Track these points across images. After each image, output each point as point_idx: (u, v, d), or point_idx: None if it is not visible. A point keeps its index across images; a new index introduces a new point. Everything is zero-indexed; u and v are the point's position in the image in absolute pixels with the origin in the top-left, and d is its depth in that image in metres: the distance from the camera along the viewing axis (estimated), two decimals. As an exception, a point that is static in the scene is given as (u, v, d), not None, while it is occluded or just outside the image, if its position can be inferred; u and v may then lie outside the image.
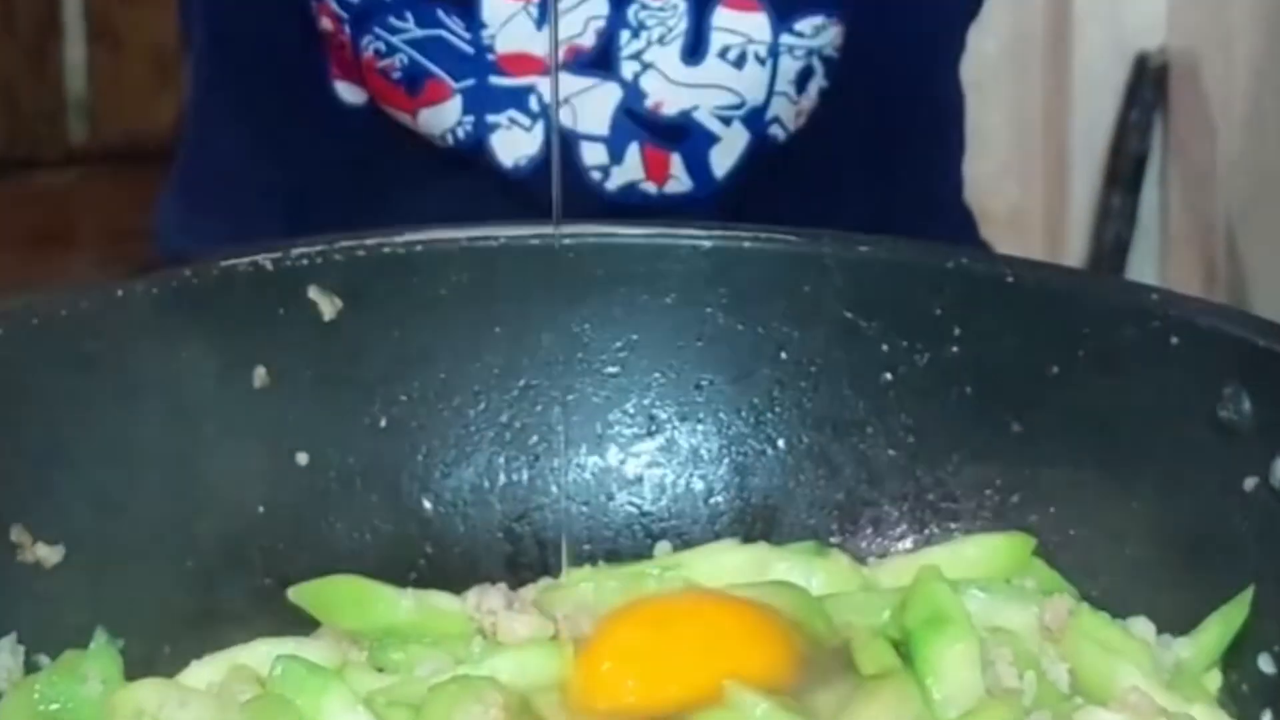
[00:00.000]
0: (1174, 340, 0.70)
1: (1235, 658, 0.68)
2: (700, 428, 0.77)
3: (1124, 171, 2.03)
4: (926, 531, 0.75)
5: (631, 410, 0.77)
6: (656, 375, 0.77)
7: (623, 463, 0.77)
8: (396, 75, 0.98)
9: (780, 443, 0.77)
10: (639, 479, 0.77)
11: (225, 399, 0.73)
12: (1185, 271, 1.92)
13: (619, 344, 0.77)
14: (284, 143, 1.06)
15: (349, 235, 0.75)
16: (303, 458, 0.74)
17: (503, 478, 0.76)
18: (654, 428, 0.77)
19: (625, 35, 0.97)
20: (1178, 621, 0.69)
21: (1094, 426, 0.72)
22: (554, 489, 0.77)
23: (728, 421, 0.77)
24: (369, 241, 0.75)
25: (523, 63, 0.97)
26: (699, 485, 0.77)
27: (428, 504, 0.76)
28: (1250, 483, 0.68)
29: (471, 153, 0.99)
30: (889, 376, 0.76)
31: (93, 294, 0.71)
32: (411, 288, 0.75)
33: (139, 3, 3.12)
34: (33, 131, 3.21)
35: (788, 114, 1.00)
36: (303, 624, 0.69)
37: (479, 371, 0.76)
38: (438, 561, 0.75)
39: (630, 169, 0.99)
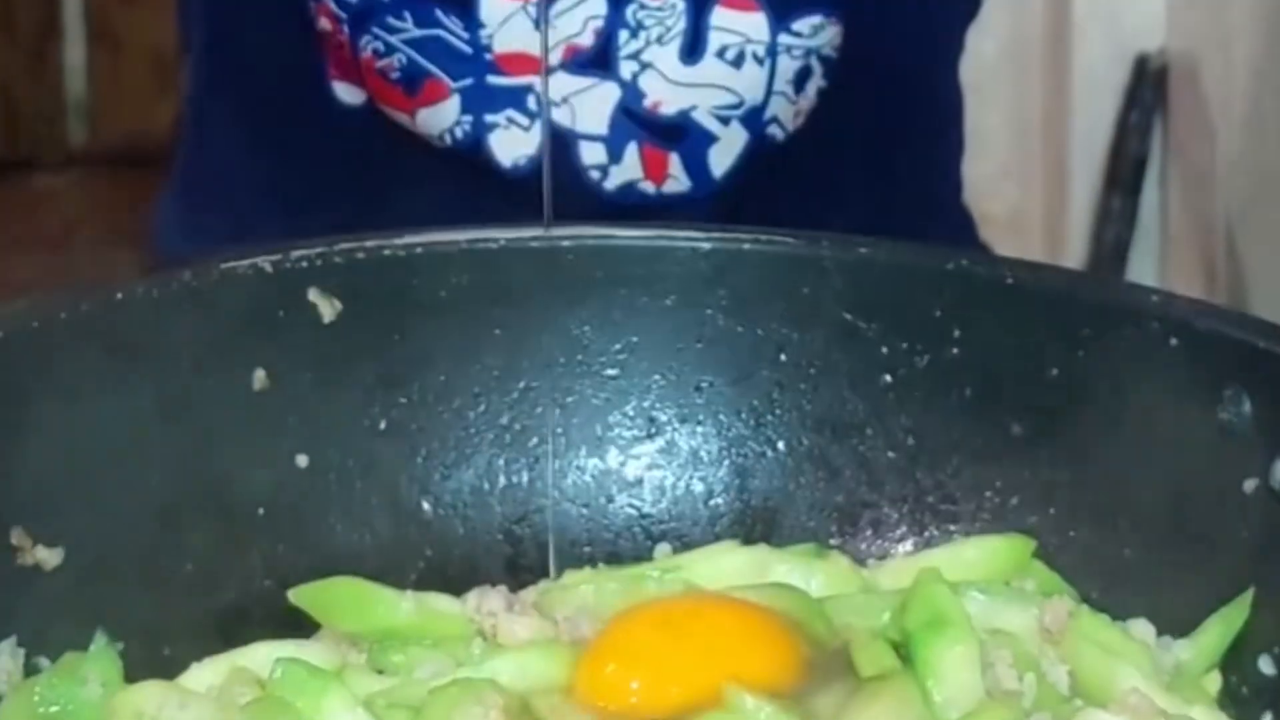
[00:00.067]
0: (1174, 342, 0.70)
1: (1235, 659, 0.68)
2: (700, 430, 0.77)
3: (1124, 173, 2.03)
4: (926, 533, 0.75)
5: (631, 412, 0.77)
6: (656, 377, 0.77)
7: (623, 465, 0.77)
8: (395, 75, 0.98)
9: (780, 445, 0.77)
10: (639, 481, 0.77)
11: (225, 401, 0.73)
12: (1185, 273, 1.92)
13: (619, 346, 0.77)
14: (283, 144, 1.06)
15: (349, 237, 0.75)
16: (302, 460, 0.74)
17: (502, 480, 0.76)
18: (654, 430, 0.77)
19: (624, 35, 0.97)
20: (1178, 623, 0.69)
21: (1094, 428, 0.72)
22: (554, 491, 0.77)
23: (728, 423, 0.77)
24: (369, 243, 0.75)
25: (521, 62, 0.97)
26: (699, 487, 0.77)
27: (427, 506, 0.76)
28: (1250, 484, 0.68)
29: (470, 152, 0.99)
30: (889, 378, 0.76)
31: (92, 296, 0.71)
32: (411, 290, 0.75)
33: (138, 5, 3.13)
34: (32, 133, 3.21)
35: (786, 114, 1.00)
36: (303, 626, 0.69)
37: (479, 373, 0.76)
38: (438, 563, 0.75)
39: (629, 168, 0.99)
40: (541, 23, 0.95)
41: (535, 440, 0.77)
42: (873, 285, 0.76)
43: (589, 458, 0.77)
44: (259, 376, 0.73)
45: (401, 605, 0.69)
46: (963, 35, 1.13)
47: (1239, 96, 1.81)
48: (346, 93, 1.02)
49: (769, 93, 0.99)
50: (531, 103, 0.98)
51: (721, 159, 1.00)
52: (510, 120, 0.98)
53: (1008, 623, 0.68)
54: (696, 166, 1.00)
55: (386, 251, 0.75)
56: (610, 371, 0.77)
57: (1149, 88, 2.02)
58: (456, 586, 0.71)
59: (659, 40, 0.97)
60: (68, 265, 2.80)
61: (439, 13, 0.97)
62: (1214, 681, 0.68)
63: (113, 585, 0.69)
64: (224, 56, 1.08)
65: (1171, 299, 0.72)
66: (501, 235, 0.76)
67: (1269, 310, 0.86)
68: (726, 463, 0.77)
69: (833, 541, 0.76)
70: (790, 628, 0.67)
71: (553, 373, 0.77)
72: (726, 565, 0.72)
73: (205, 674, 0.67)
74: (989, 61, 2.03)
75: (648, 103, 0.98)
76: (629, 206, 0.99)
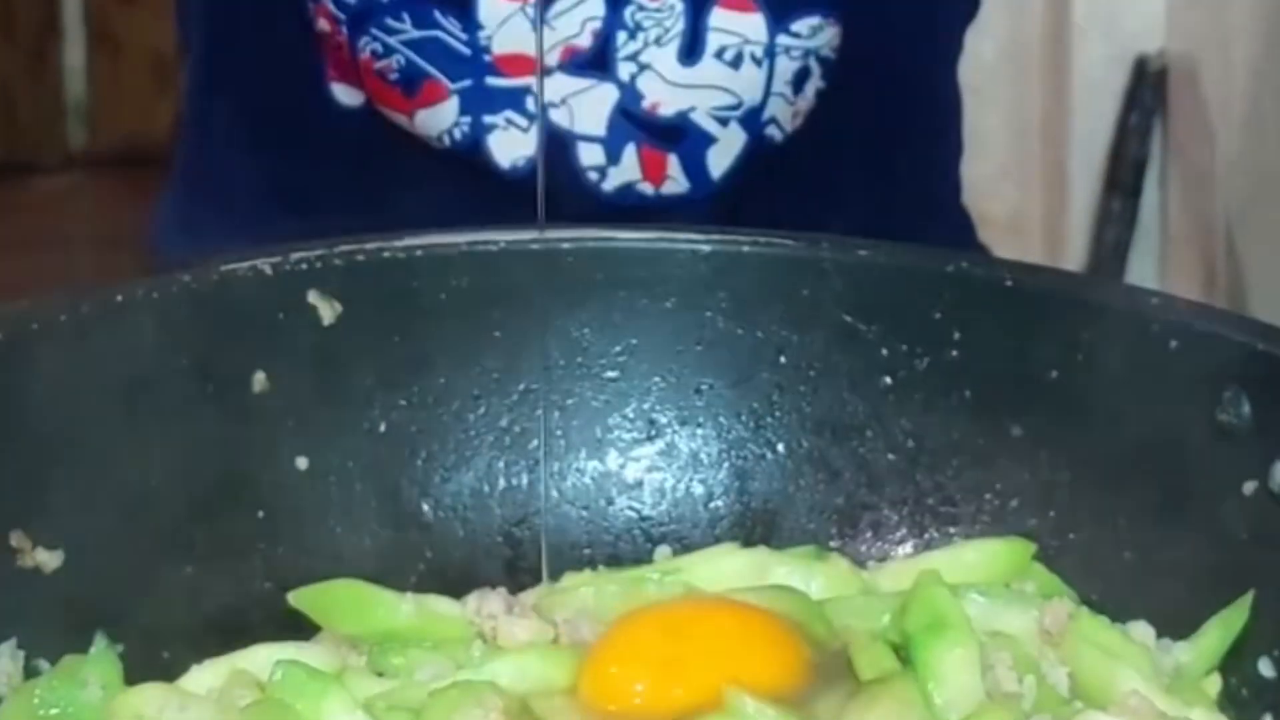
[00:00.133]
0: (1173, 344, 0.70)
1: (1235, 662, 0.68)
2: (700, 432, 0.77)
3: (1123, 174, 2.03)
4: (926, 536, 0.75)
5: (631, 414, 0.77)
6: (656, 379, 0.77)
7: (622, 467, 0.77)
8: (393, 76, 0.99)
9: (780, 447, 0.77)
10: (639, 483, 0.77)
11: (224, 403, 0.73)
12: (1185, 274, 1.93)
13: (618, 348, 0.77)
14: (282, 145, 1.06)
15: (348, 239, 0.75)
16: (302, 462, 0.74)
17: (502, 482, 0.76)
18: (654, 432, 0.77)
19: (622, 36, 0.97)
20: (1177, 625, 0.69)
21: (1093, 430, 0.72)
22: (554, 493, 0.77)
23: (727, 426, 0.77)
24: (368, 246, 0.75)
25: (519, 64, 0.97)
26: (699, 489, 0.77)
27: (427, 508, 0.76)
28: (1249, 486, 0.68)
29: (468, 153, 0.99)
30: (888, 380, 0.76)
31: (92, 298, 0.71)
32: (411, 292, 0.75)
33: (138, 7, 3.13)
34: (32, 136, 3.21)
35: (785, 115, 1.00)
36: (302, 629, 0.69)
37: (478, 376, 0.76)
38: (437, 566, 0.75)
39: (627, 170, 0.99)
40: (537, 24, 0.95)
41: (535, 442, 0.77)
42: (873, 287, 0.76)
43: (589, 460, 0.77)
44: (259, 379, 0.73)
45: (401, 607, 0.69)
46: (961, 36, 1.13)
47: (1238, 98, 1.81)
48: (345, 94, 1.02)
49: (767, 94, 0.99)
50: (530, 104, 0.98)
51: (720, 160, 1.00)
52: (509, 121, 0.98)
53: (1008, 625, 0.68)
54: (695, 168, 1.00)
55: (386, 254, 0.75)
56: (610, 374, 0.77)
57: (1148, 89, 2.02)
58: (456, 589, 0.71)
59: (657, 41, 0.97)
60: (67, 267, 2.81)
61: (438, 14, 0.97)
62: (1214, 684, 0.68)
63: (113, 588, 0.69)
64: (223, 58, 1.08)
65: (1171, 301, 0.72)
66: (501, 237, 0.76)
67: (1269, 311, 0.86)
68: (726, 465, 0.77)
69: (833, 544, 0.76)
70: (794, 631, 0.67)
71: (552, 375, 0.77)
72: (726, 567, 0.72)
73: (205, 676, 0.67)
74: (988, 62, 2.03)
75: (646, 104, 0.98)
76: (627, 208, 0.99)
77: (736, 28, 0.98)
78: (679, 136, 0.99)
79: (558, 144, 0.98)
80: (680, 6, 0.97)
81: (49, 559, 0.68)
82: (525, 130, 0.98)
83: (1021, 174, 2.10)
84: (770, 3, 0.97)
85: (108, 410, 0.70)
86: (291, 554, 0.73)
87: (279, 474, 0.74)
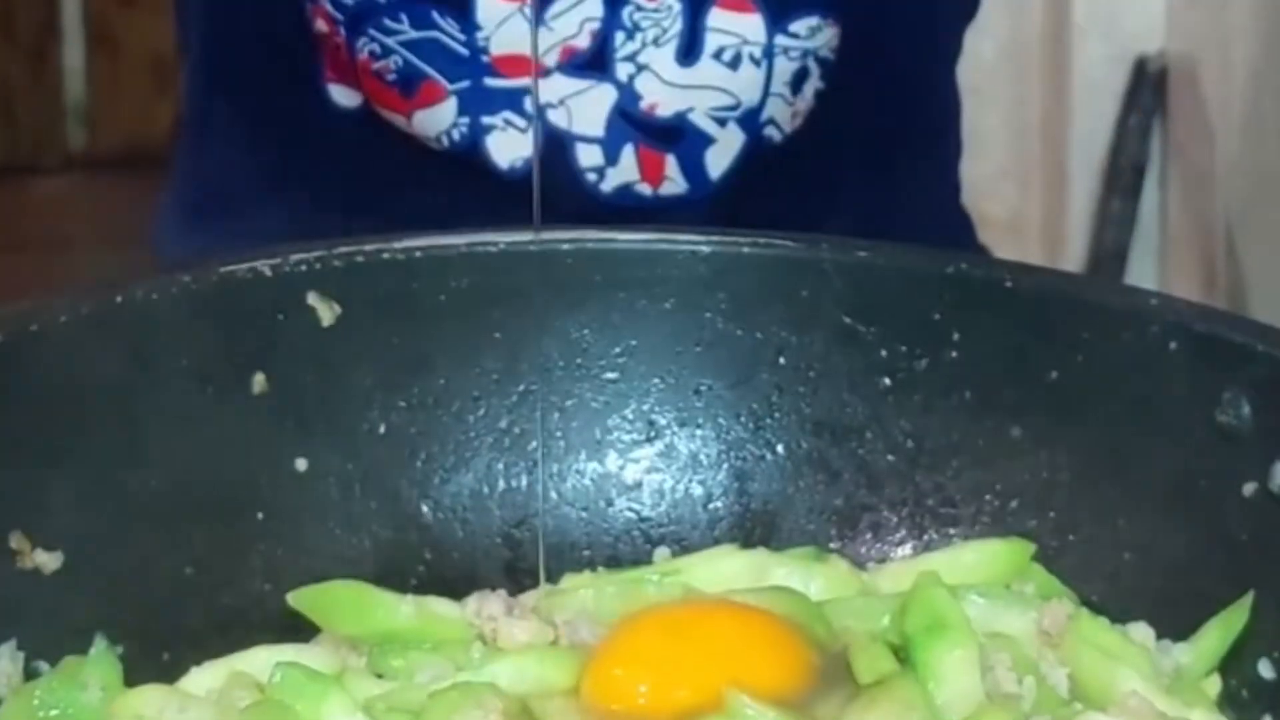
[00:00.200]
0: (1173, 345, 0.70)
1: (1235, 663, 0.68)
2: (699, 433, 0.77)
3: (1123, 175, 2.03)
4: (926, 537, 0.75)
5: (630, 416, 0.77)
6: (655, 380, 0.77)
7: (622, 468, 0.77)
8: (391, 77, 0.98)
9: (779, 448, 0.77)
10: (638, 484, 0.77)
11: (224, 405, 0.73)
12: (1185, 275, 1.93)
13: (618, 349, 0.77)
14: (280, 146, 1.06)
15: (348, 240, 0.75)
16: (302, 464, 0.74)
17: (502, 483, 0.76)
18: (653, 433, 0.77)
19: (620, 37, 0.97)
20: (1177, 626, 0.69)
21: (1093, 431, 0.72)
22: (553, 494, 0.77)
23: (727, 427, 0.77)
24: (368, 247, 0.75)
25: (518, 64, 0.97)
26: (698, 490, 0.77)
27: (427, 510, 0.76)
28: (1249, 488, 0.68)
29: (467, 154, 0.99)
30: (888, 381, 0.76)
31: (92, 300, 0.71)
32: (410, 293, 0.75)
33: (138, 9, 3.13)
34: (32, 137, 3.21)
35: (783, 115, 1.00)
36: (302, 630, 0.69)
37: (478, 377, 0.76)
38: (437, 567, 0.75)
39: (625, 170, 0.99)
40: (533, 25, 0.95)
41: (535, 444, 0.77)
42: (872, 288, 0.76)
43: (588, 461, 0.77)
44: (258, 380, 0.73)
45: (401, 609, 0.69)
46: (961, 36, 1.13)
47: (1238, 99, 1.81)
48: (343, 95, 1.02)
49: (766, 94, 0.99)
50: (528, 105, 0.98)
51: (718, 161, 1.00)
52: (507, 122, 0.98)
53: (1007, 626, 0.68)
54: (693, 168, 1.00)
55: (385, 255, 0.75)
56: (609, 375, 0.77)
57: (1148, 90, 2.02)
58: (456, 590, 0.71)
59: (655, 42, 0.97)
60: (67, 268, 2.81)
61: (435, 14, 0.97)
62: (1214, 685, 0.68)
63: (112, 589, 0.69)
64: (221, 59, 1.08)
65: (1171, 301, 0.72)
66: (500, 238, 0.76)
67: (1269, 311, 0.86)
68: (726, 466, 0.77)
69: (832, 545, 0.76)
70: (797, 634, 0.67)
71: (552, 376, 0.77)
72: (726, 569, 0.72)
73: (205, 678, 0.67)
74: (988, 63, 2.03)
75: (644, 104, 0.98)
76: (626, 208, 0.99)
77: (735, 28, 0.98)
78: (677, 137, 0.99)
79: (556, 145, 0.98)
80: (678, 7, 0.97)
81: (49, 560, 0.68)
82: (524, 131, 0.98)
83: (1021, 174, 2.10)
84: (769, 3, 0.97)
85: (108, 411, 0.70)
86: (291, 555, 0.73)
87: (278, 475, 0.74)
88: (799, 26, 0.98)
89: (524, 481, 0.76)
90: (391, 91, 0.99)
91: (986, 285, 0.74)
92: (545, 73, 0.97)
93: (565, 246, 0.76)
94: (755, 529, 0.76)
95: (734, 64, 0.98)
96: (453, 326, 0.76)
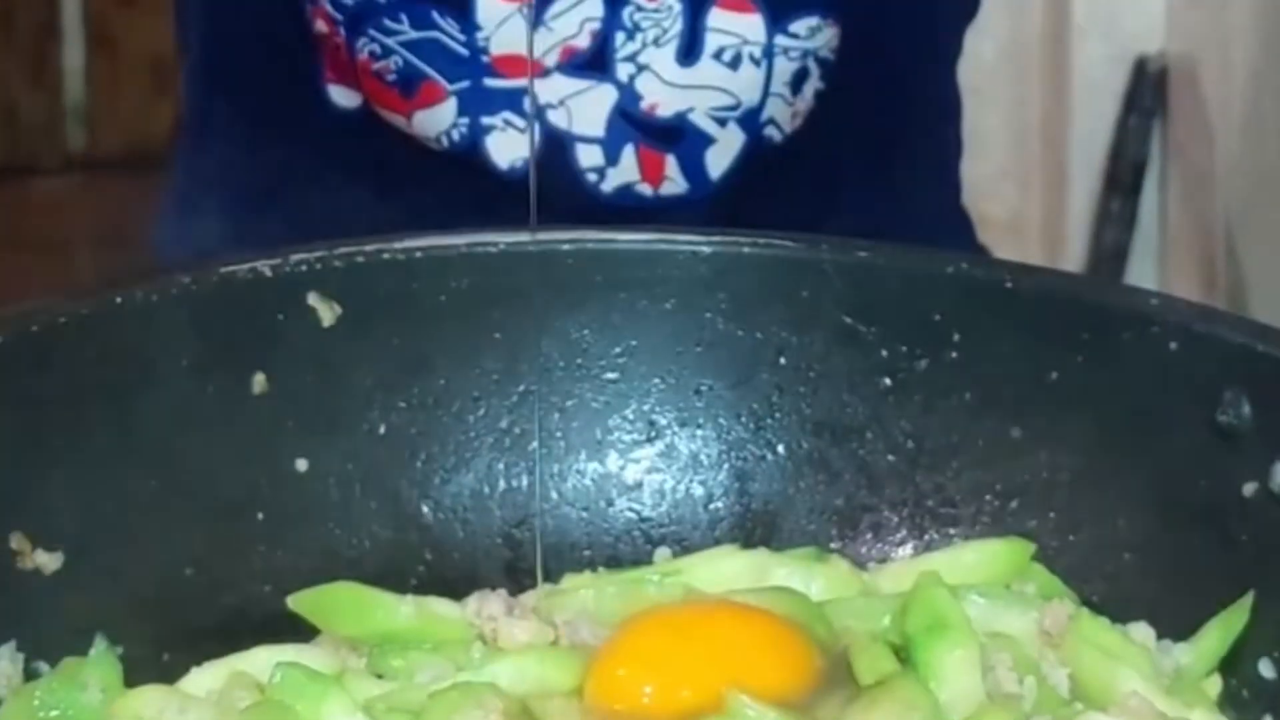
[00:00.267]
0: (1173, 345, 0.70)
1: (1235, 663, 0.68)
2: (700, 433, 0.77)
3: (1123, 175, 2.03)
4: (926, 537, 0.75)
5: (631, 416, 0.77)
6: (656, 381, 0.77)
7: (622, 468, 0.77)
8: (391, 78, 0.98)
9: (780, 448, 0.77)
10: (638, 485, 0.77)
11: (224, 405, 0.73)
12: (1185, 275, 1.93)
13: (618, 349, 0.77)
14: (280, 147, 1.06)
15: (348, 241, 0.75)
16: (302, 464, 0.74)
17: (502, 483, 0.76)
18: (653, 433, 0.77)
19: (620, 37, 0.97)
20: (1178, 626, 0.69)
21: (1093, 431, 0.72)
22: (553, 495, 0.77)
23: (727, 427, 0.77)
24: (368, 248, 0.75)
25: (518, 64, 0.97)
26: (699, 491, 0.77)
27: (427, 510, 0.76)
28: (1250, 488, 0.68)
29: (467, 154, 0.99)
30: (888, 382, 0.75)
31: (92, 301, 0.71)
32: (411, 294, 0.75)
33: (137, 10, 3.13)
34: (31, 138, 3.21)
35: (783, 115, 1.00)
36: (302, 630, 0.69)
37: (478, 377, 0.76)
38: (437, 568, 0.75)
39: (625, 170, 0.99)
40: (529, 25, 0.95)
41: (535, 444, 0.77)
42: (872, 289, 0.76)
43: (589, 461, 0.77)
44: (258, 380, 0.73)
45: (401, 609, 0.69)
46: (961, 36, 1.13)
47: (1238, 99, 1.81)
48: (342, 96, 1.02)
49: (766, 94, 0.99)
50: (528, 105, 0.98)
51: (718, 161, 1.00)
52: (507, 122, 0.98)
53: (1008, 626, 0.68)
54: (693, 168, 1.00)
55: (386, 255, 0.75)
56: (610, 375, 0.77)
57: (1148, 90, 2.02)
58: (456, 590, 0.71)
59: (655, 42, 0.97)
60: (67, 269, 2.80)
61: (435, 15, 0.97)
62: (1214, 685, 0.68)
63: (112, 590, 0.69)
64: (221, 59, 1.08)
65: (1171, 302, 0.72)
66: (501, 239, 0.76)
67: (1269, 311, 0.86)
68: (726, 466, 0.77)
69: (833, 545, 0.76)
70: (802, 635, 0.67)
71: (552, 376, 0.77)
72: (726, 569, 0.72)
73: (205, 679, 0.67)
74: (988, 63, 2.03)
75: (644, 105, 0.98)
76: (626, 209, 0.99)
77: (735, 28, 0.98)
78: (677, 137, 0.99)
79: (556, 145, 0.98)
80: (678, 7, 0.97)
81: (49, 561, 0.68)
82: (524, 131, 0.98)
83: (1021, 175, 2.10)
84: (769, 3, 0.97)
85: (108, 412, 0.70)
86: (291, 555, 0.73)
87: (279, 476, 0.74)
88: (799, 27, 0.98)
89: (524, 481, 0.76)
90: (391, 92, 0.99)
91: (987, 285, 0.74)
92: (545, 73, 0.97)
93: (565, 247, 0.76)
94: (756, 529, 0.76)
95: (734, 64, 0.98)
96: (453, 327, 0.76)
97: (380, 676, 0.67)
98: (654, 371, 0.77)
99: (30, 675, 0.67)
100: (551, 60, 0.97)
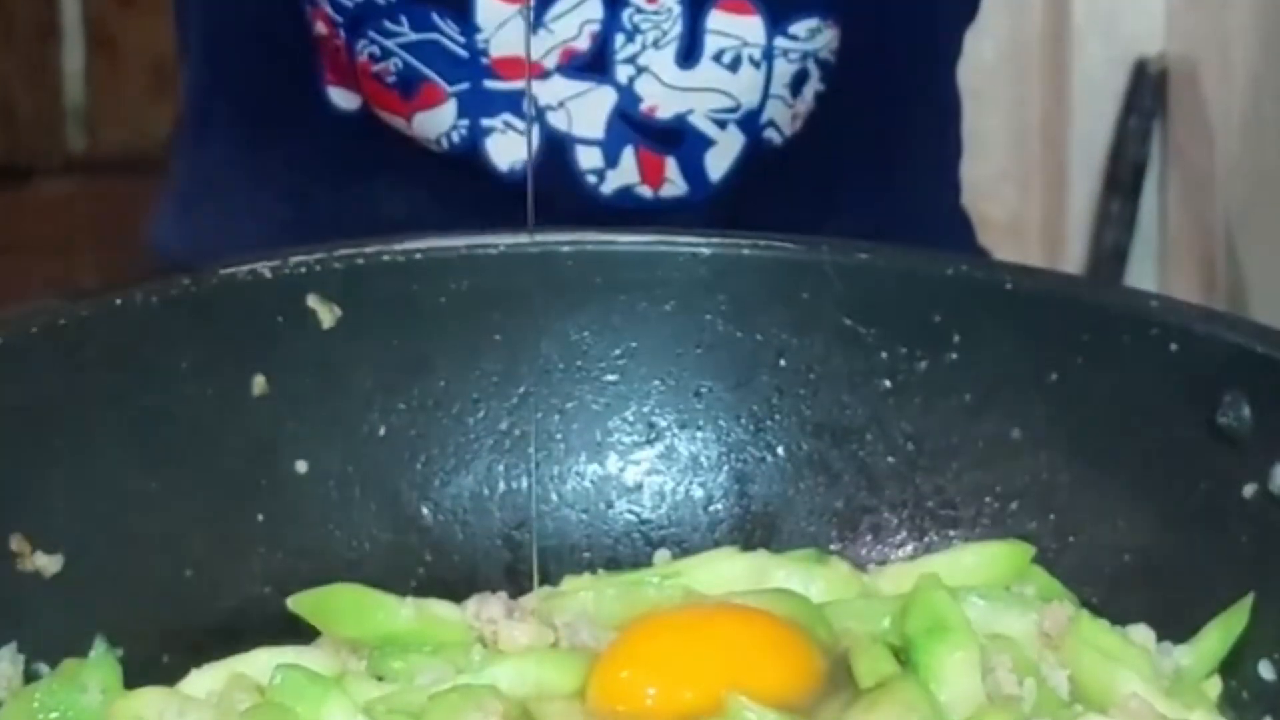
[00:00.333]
0: (1173, 347, 0.70)
1: (1235, 664, 0.68)
2: (700, 435, 0.77)
3: (1123, 177, 2.03)
4: (926, 539, 0.75)
5: (631, 418, 0.77)
6: (656, 382, 0.77)
7: (622, 470, 0.77)
8: (391, 79, 0.98)
9: (780, 450, 0.77)
10: (638, 486, 0.77)
11: (224, 407, 0.73)
12: (1184, 277, 1.93)
13: (618, 351, 0.77)
14: (279, 149, 1.06)
15: (347, 243, 0.75)
16: (302, 466, 0.74)
17: (502, 485, 0.76)
18: (653, 435, 0.77)
19: (620, 39, 0.97)
20: (1177, 628, 0.69)
21: (1093, 433, 0.72)
22: (553, 497, 0.77)
23: (727, 429, 0.77)
24: (368, 249, 0.75)
25: (517, 66, 0.97)
26: (698, 493, 0.77)
27: (427, 512, 0.76)
28: (1250, 489, 0.68)
29: (467, 156, 0.99)
30: (888, 383, 0.75)
31: (91, 302, 0.71)
32: (410, 295, 0.75)
33: (137, 11, 3.13)
34: (31, 139, 3.21)
35: (783, 117, 1.00)
36: (302, 632, 0.69)
37: (478, 379, 0.76)
38: (437, 570, 0.75)
39: (625, 172, 0.99)
40: (527, 27, 0.95)
41: (533, 446, 0.77)
42: (872, 290, 0.76)
43: (588, 463, 0.77)
44: (258, 382, 0.73)
45: (401, 612, 0.69)
46: (961, 38, 1.13)
47: (1238, 100, 1.81)
48: (342, 98, 1.02)
49: (765, 96, 0.99)
50: (528, 106, 0.98)
51: (718, 163, 1.00)
52: (507, 124, 0.98)
53: (1008, 628, 0.68)
54: (693, 170, 1.00)
55: (386, 257, 0.75)
56: (609, 377, 0.77)
57: (1148, 92, 2.02)
58: (456, 592, 0.71)
59: (655, 44, 0.97)
60: (67, 271, 2.80)
61: (435, 16, 0.97)
62: (1214, 686, 0.68)
63: (112, 591, 0.69)
64: (221, 61, 1.08)
65: (1171, 303, 0.72)
66: (500, 241, 0.76)
67: (1269, 313, 0.86)
68: (726, 468, 0.77)
69: (832, 547, 0.76)
70: (805, 637, 0.67)
71: (551, 378, 0.77)
72: (726, 571, 0.72)
73: (205, 680, 0.67)
74: (988, 64, 2.03)
75: (644, 107, 0.98)
76: (626, 211, 0.99)
77: (734, 30, 0.97)
78: (677, 139, 0.99)
79: (556, 147, 0.98)
80: (678, 9, 0.97)
81: (49, 563, 0.68)
82: (523, 133, 0.98)
83: (1021, 176, 2.10)
84: (768, 5, 0.97)
85: (108, 413, 0.70)
86: (291, 558, 0.73)
87: (278, 477, 0.74)
88: (799, 28, 0.98)
89: (524, 483, 0.76)
90: (391, 94, 0.99)
91: (986, 287, 0.74)
92: (545, 75, 0.97)
93: (565, 248, 0.76)
94: (756, 531, 0.76)
95: (734, 66, 0.98)
96: (453, 329, 0.76)
97: (380, 679, 0.67)
98: (654, 373, 0.77)
99: (30, 677, 0.67)
100: (551, 62, 0.97)
